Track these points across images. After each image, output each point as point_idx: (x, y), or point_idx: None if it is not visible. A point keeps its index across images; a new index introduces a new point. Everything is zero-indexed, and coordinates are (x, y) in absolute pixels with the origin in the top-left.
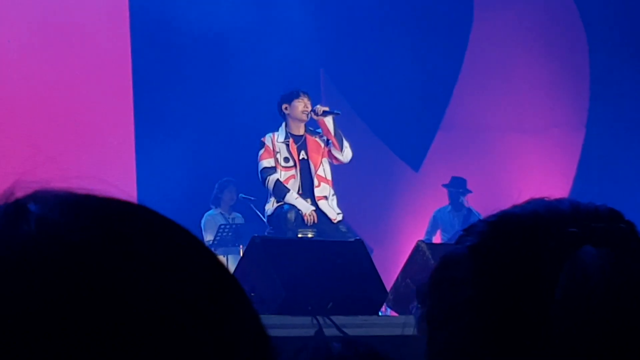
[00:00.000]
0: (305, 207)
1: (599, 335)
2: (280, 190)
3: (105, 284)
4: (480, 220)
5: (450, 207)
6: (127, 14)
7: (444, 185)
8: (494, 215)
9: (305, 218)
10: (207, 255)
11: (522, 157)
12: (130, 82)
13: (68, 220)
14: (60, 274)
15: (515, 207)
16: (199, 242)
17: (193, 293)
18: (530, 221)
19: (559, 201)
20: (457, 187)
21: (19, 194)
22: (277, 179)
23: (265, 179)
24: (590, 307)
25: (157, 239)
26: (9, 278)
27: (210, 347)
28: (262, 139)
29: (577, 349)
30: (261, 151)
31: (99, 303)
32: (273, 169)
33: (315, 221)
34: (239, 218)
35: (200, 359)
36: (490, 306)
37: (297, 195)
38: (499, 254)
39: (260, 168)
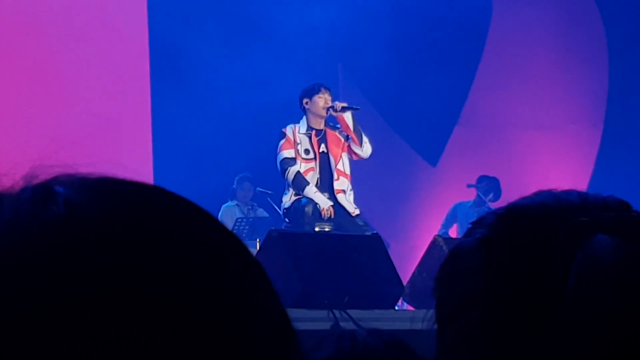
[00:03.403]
0: (324, 201)
1: (612, 324)
2: (300, 182)
3: (134, 267)
4: (489, 213)
5: (472, 202)
6: (145, 5)
7: (480, 177)
8: (502, 208)
9: (323, 213)
10: (230, 241)
11: (540, 153)
12: (148, 74)
13: (95, 202)
14: (92, 255)
15: (523, 198)
16: (224, 227)
17: (218, 280)
18: (540, 212)
19: (567, 192)
20: (492, 189)
21: (41, 177)
22: (298, 171)
23: (286, 169)
24: (603, 296)
25: (181, 222)
26: (42, 258)
27: (230, 335)
28: (283, 129)
29: (590, 338)
30: (282, 142)
31: (128, 285)
32: (293, 160)
33: (332, 216)
34: (260, 212)
35: (220, 347)
36: (501, 297)
37: (315, 189)
38: (509, 245)
39: (280, 158)
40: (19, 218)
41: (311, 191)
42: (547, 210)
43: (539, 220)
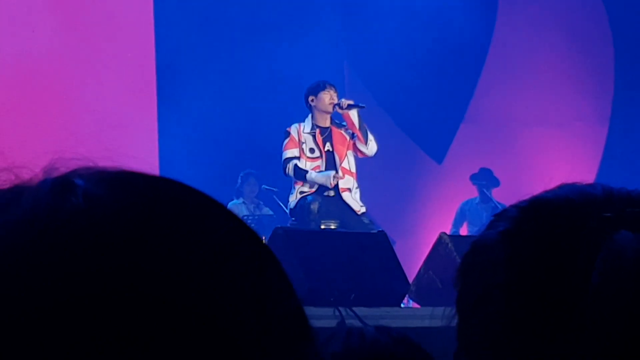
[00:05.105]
0: (327, 177)
1: (633, 322)
2: (299, 172)
3: (134, 267)
4: (511, 206)
5: (478, 199)
6: (152, 3)
7: (471, 176)
8: (525, 201)
9: (331, 183)
10: (239, 239)
11: (546, 150)
12: (154, 73)
13: (114, 195)
14: (94, 254)
15: (547, 192)
16: (237, 223)
17: (218, 280)
18: (564, 206)
19: (591, 186)
20: (483, 179)
21: (61, 170)
22: (296, 164)
23: (286, 167)
24: (625, 293)
25: (190, 219)
26: (62, 249)
27: (230, 335)
28: (288, 129)
29: (609, 335)
30: (286, 141)
31: (128, 285)
32: (296, 159)
33: (342, 179)
34: (266, 210)
35: (220, 347)
36: (523, 291)
37: (316, 173)
38: (532, 239)
39: (284, 157)
40: (38, 209)
41: (312, 174)
42: (571, 204)
43: (562, 214)
